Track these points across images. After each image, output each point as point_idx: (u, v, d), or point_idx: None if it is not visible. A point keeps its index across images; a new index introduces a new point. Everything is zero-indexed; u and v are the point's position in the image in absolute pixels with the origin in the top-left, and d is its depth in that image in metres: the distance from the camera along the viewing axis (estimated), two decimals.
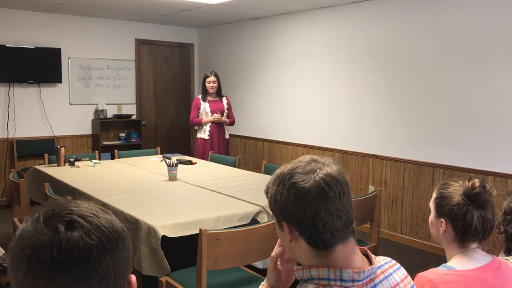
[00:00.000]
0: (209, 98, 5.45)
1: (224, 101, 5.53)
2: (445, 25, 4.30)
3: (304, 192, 1.01)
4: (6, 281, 2.29)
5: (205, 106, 5.41)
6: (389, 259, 1.16)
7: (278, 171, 1.10)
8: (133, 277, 0.81)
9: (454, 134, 4.30)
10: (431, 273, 1.46)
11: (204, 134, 5.45)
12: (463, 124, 4.23)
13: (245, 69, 6.59)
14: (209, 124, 5.39)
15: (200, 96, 5.50)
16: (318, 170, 1.03)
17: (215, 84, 5.41)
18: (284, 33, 5.95)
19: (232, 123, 5.59)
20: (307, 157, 1.08)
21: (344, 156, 5.29)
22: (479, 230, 1.49)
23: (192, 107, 5.52)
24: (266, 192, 1.11)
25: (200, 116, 5.44)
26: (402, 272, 1.15)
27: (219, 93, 5.49)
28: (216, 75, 5.45)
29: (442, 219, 1.53)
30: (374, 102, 4.96)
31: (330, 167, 1.04)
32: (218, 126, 5.43)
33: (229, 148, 5.84)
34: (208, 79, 5.42)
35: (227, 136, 5.59)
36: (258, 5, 5.42)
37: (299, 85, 5.80)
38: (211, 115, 5.38)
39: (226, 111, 5.49)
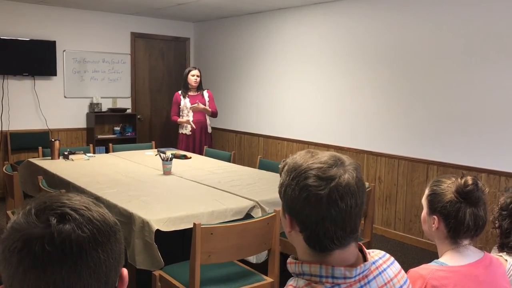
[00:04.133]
0: (189, 93, 5.45)
1: (205, 94, 5.54)
2: (440, 23, 4.30)
3: (316, 199, 0.98)
4: None
5: (185, 102, 5.41)
6: (383, 253, 1.16)
7: (298, 160, 1.04)
8: (124, 271, 0.81)
9: (448, 131, 4.32)
10: (423, 269, 1.47)
11: (186, 129, 5.45)
12: (458, 121, 4.24)
13: (241, 64, 6.58)
14: (191, 119, 5.38)
15: (180, 92, 5.49)
16: (336, 179, 0.99)
17: (199, 78, 5.44)
18: (281, 28, 5.94)
19: (214, 114, 5.53)
20: (332, 157, 1.03)
21: (338, 152, 5.27)
22: (471, 227, 1.50)
23: (173, 103, 5.51)
24: (280, 172, 1.08)
25: (181, 112, 5.44)
26: (396, 266, 1.15)
27: (199, 87, 5.50)
28: (199, 70, 5.50)
29: (435, 216, 1.53)
30: (369, 98, 4.97)
31: (350, 175, 1.00)
32: (199, 121, 5.42)
33: (213, 142, 5.83)
34: (192, 72, 5.44)
35: (209, 131, 5.59)
36: (254, 0, 5.41)
37: (294, 81, 5.80)
38: (192, 110, 5.38)
39: (207, 104, 5.48)
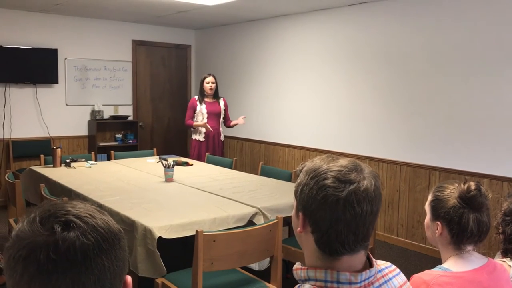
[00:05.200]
0: (206, 99, 5.46)
1: (221, 102, 5.56)
2: (441, 29, 4.31)
3: (332, 200, 0.99)
4: (2, 281, 2.29)
5: (201, 108, 5.42)
6: (389, 263, 1.16)
7: (318, 162, 1.05)
8: (128, 278, 0.82)
9: (450, 136, 4.32)
10: (426, 275, 1.47)
11: (199, 135, 5.46)
12: (460, 126, 4.24)
13: (241, 71, 6.60)
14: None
15: (196, 97, 5.51)
16: (356, 184, 0.99)
17: (214, 85, 5.45)
18: (281, 35, 5.95)
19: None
20: (352, 163, 1.04)
21: None
22: (474, 232, 1.49)
23: (188, 108, 5.52)
24: (298, 173, 1.08)
25: (195, 117, 5.45)
26: (402, 277, 1.15)
27: (216, 95, 5.51)
28: (214, 77, 5.51)
29: (438, 222, 1.53)
30: (370, 105, 4.97)
31: (369, 181, 1.01)
32: (213, 128, 5.44)
33: (224, 150, 5.85)
34: (207, 79, 5.45)
35: (222, 138, 5.61)
36: (255, 7, 5.43)
37: (295, 87, 5.81)
38: (207, 117, 5.40)
39: (222, 112, 5.51)
